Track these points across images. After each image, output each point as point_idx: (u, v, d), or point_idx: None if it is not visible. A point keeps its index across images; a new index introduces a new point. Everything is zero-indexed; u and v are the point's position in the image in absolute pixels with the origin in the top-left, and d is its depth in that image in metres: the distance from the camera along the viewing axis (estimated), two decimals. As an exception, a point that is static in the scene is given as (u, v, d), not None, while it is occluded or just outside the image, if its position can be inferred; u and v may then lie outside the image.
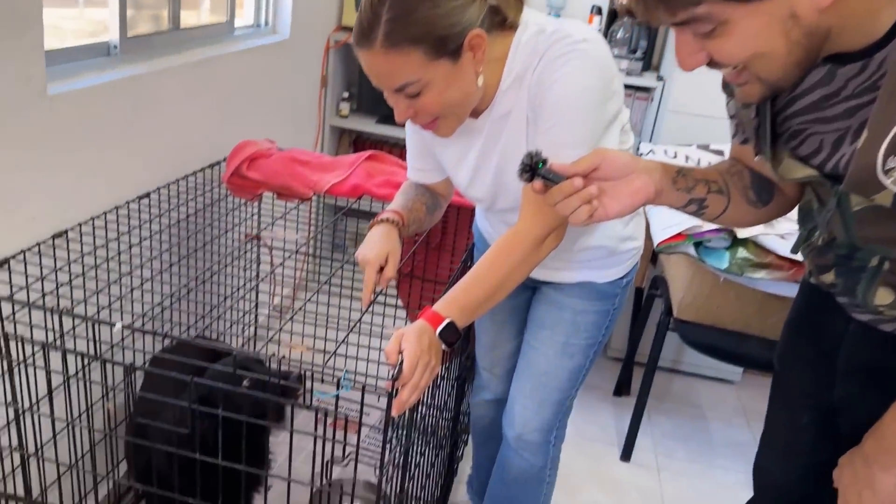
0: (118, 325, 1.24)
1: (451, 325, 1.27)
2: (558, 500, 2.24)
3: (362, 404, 1.18)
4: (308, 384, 1.19)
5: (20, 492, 1.43)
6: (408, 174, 1.63)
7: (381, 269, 1.45)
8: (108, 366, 1.25)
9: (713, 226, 2.11)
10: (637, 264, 1.64)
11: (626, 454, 2.54)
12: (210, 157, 2.13)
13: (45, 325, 1.31)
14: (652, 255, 2.75)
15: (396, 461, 1.33)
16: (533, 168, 1.09)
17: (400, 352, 1.21)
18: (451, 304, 1.29)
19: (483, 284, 1.31)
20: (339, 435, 1.16)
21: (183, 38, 2.14)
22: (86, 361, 1.26)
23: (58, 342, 1.30)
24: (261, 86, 2.49)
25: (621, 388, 2.92)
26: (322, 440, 1.22)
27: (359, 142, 3.52)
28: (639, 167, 1.11)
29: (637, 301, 2.91)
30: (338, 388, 1.16)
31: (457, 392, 2.01)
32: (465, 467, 2.19)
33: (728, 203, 1.20)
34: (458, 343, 1.81)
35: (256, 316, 2.38)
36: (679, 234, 2.14)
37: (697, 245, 2.16)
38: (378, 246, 1.46)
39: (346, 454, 1.17)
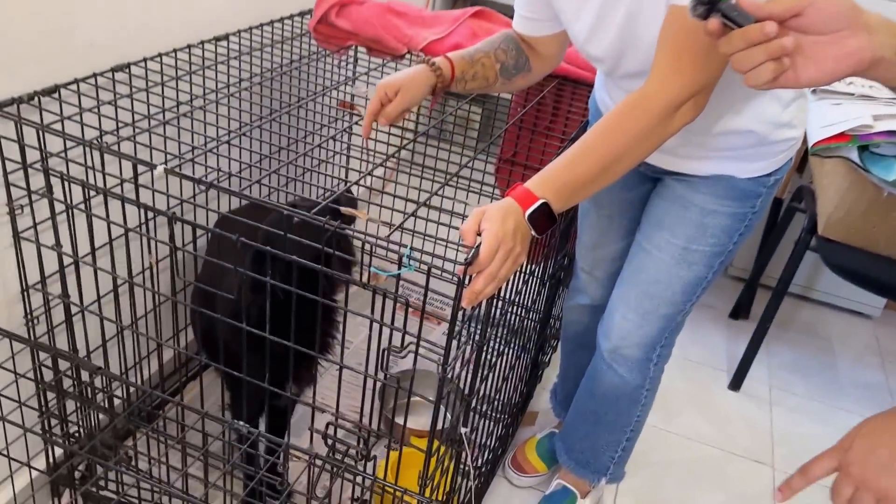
0: (159, 168, 1.07)
1: (544, 206, 1.03)
2: (653, 422, 2.03)
3: (426, 288, 0.97)
4: (367, 259, 0.99)
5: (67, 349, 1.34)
6: (513, 23, 1.35)
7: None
8: (163, 220, 1.09)
9: (887, 126, 1.72)
10: (790, 160, 1.33)
11: (737, 383, 2.27)
12: (301, 2, 1.91)
13: (106, 170, 1.16)
14: (799, 161, 2.36)
15: (465, 359, 1.14)
16: (712, 0, 0.79)
17: (479, 233, 0.99)
18: (548, 182, 1.05)
19: (591, 159, 1.05)
20: (400, 321, 0.96)
21: None
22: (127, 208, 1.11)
23: (104, 184, 1.15)
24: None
25: (739, 311, 2.61)
26: (380, 325, 1.03)
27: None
28: (858, 22, 0.78)
29: (773, 213, 2.54)
30: (399, 267, 0.96)
31: (549, 292, 1.79)
32: (551, 375, 2.00)
33: None
34: (555, 231, 1.58)
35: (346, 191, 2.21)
36: (842, 135, 1.77)
37: (862, 150, 1.78)
38: (394, 78, 1.25)
39: (406, 345, 0.97)
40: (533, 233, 1.03)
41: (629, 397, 1.54)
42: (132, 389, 1.18)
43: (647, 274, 1.41)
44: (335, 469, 1.13)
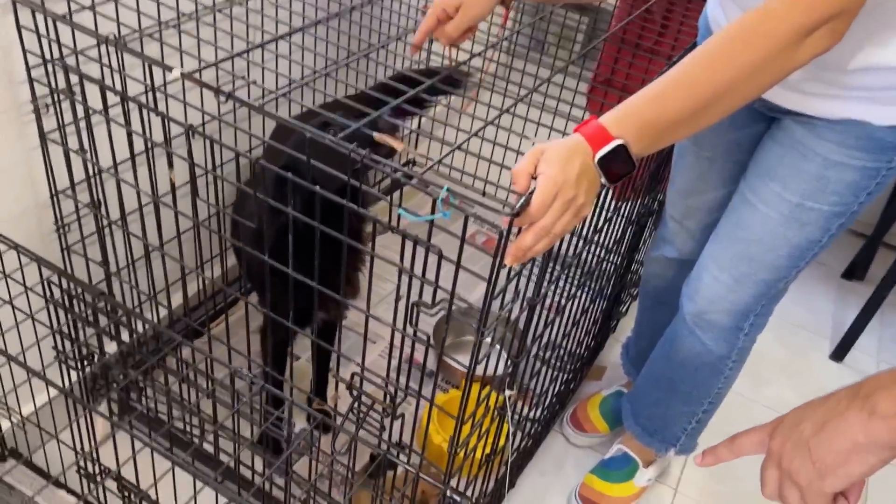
0: (175, 72, 0.93)
1: (620, 149, 0.83)
2: (738, 388, 1.81)
3: (463, 239, 0.80)
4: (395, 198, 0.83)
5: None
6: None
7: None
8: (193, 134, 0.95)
9: None
10: (947, 106, 1.05)
11: (840, 353, 2.02)
12: None
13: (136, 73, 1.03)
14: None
15: (510, 319, 0.98)
16: None
17: (534, 177, 0.81)
18: (629, 118, 0.84)
19: (687, 93, 0.84)
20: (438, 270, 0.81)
21: None
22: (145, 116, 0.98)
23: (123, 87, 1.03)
24: None
25: (854, 271, 2.31)
26: (409, 276, 0.88)
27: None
28: None
29: (911, 164, 2.20)
30: (432, 211, 0.80)
31: (633, 237, 1.58)
32: (627, 326, 1.81)
33: None
34: (644, 169, 1.36)
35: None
36: None
37: None
38: None
39: (438, 301, 0.82)
40: (603, 180, 0.85)
41: (711, 368, 1.34)
42: (150, 316, 1.09)
43: (748, 231, 1.19)
44: (358, 422, 1.02)
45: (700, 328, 1.30)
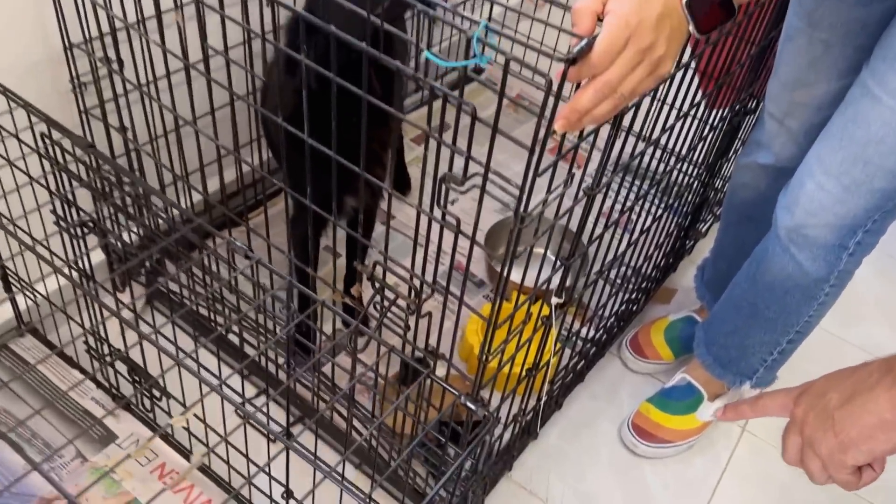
0: None
1: (716, -13, 0.64)
2: (826, 325, 1.60)
3: (501, 93, 0.64)
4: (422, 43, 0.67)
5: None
6: None
7: None
8: None
9: None
10: None
11: (951, 295, 1.77)
12: None
13: None
14: None
15: (559, 209, 0.82)
16: None
17: (601, 17, 0.63)
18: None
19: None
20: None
21: None
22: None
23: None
24: None
25: (979, 204, 2.02)
26: (438, 143, 0.72)
27: None
28: None
29: None
30: (466, 55, 0.63)
31: (721, 143, 1.37)
32: (704, 247, 1.61)
33: None
34: (734, 63, 1.12)
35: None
36: None
37: None
38: None
39: (470, 175, 0.67)
40: (691, 28, 0.66)
41: (804, 292, 1.15)
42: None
43: (866, 129, 0.97)
44: (381, 317, 0.89)
45: (796, 245, 1.10)
